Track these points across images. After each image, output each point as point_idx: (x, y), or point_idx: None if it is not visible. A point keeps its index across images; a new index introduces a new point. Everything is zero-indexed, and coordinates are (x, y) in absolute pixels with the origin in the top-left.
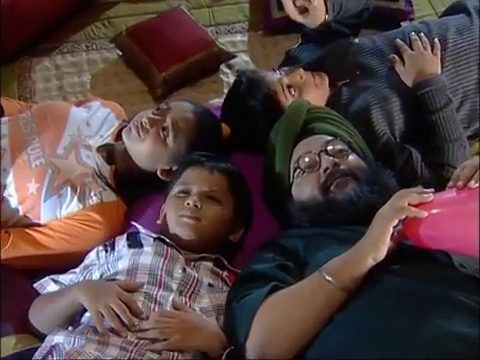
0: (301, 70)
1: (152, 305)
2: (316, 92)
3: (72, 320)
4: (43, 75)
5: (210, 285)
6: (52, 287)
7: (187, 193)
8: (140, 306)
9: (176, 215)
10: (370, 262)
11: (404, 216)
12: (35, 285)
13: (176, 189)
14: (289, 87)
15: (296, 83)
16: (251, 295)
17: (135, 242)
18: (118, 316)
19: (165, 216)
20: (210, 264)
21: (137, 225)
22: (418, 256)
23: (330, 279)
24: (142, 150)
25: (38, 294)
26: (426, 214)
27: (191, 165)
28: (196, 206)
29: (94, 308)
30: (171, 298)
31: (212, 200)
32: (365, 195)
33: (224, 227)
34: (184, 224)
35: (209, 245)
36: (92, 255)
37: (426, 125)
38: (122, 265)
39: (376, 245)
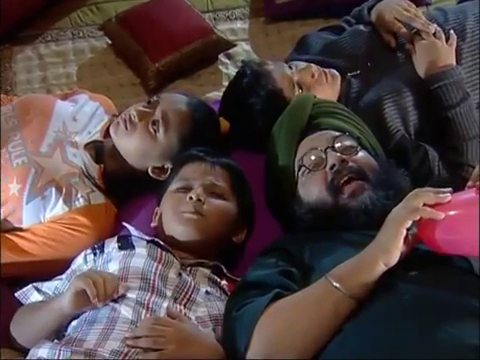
0: (314, 67)
1: (143, 311)
2: (326, 91)
3: (57, 333)
4: (25, 65)
5: (207, 293)
6: (35, 297)
7: (188, 189)
8: (130, 313)
9: (177, 211)
10: (381, 267)
11: (418, 217)
12: (17, 294)
13: (174, 186)
14: (298, 84)
15: (306, 82)
16: (252, 303)
17: (126, 244)
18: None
19: (160, 217)
20: (207, 271)
21: (128, 226)
22: (434, 262)
23: (338, 285)
24: (130, 146)
25: (21, 305)
26: (443, 216)
27: (189, 161)
28: (199, 200)
29: (80, 276)
30: (165, 305)
31: (215, 195)
32: (380, 202)
33: (228, 225)
34: (186, 220)
35: (211, 246)
36: (79, 259)
37: (442, 122)
38: (112, 268)
39: (388, 249)
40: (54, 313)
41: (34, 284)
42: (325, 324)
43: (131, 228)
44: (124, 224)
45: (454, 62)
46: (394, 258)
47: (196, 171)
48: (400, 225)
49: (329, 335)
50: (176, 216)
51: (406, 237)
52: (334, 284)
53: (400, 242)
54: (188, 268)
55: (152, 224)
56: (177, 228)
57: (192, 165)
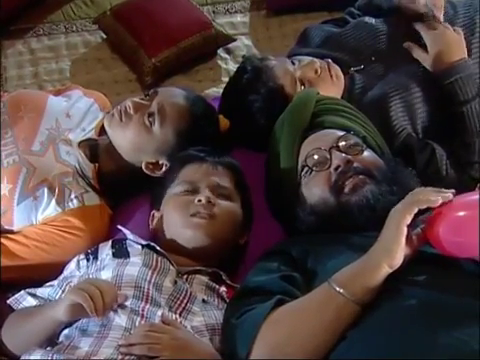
0: (317, 63)
1: (138, 319)
2: (330, 89)
3: (50, 341)
4: (16, 60)
5: (204, 301)
6: (29, 302)
7: (193, 191)
8: (124, 320)
9: (185, 215)
10: (385, 270)
11: (416, 210)
12: (9, 301)
13: (177, 189)
14: (300, 81)
15: (309, 78)
16: (253, 310)
17: (121, 251)
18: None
19: (159, 221)
20: (205, 278)
21: (124, 230)
22: (442, 265)
23: (341, 291)
24: (125, 138)
25: (12, 311)
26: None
27: (189, 161)
28: (209, 202)
29: (75, 289)
30: (160, 313)
31: (222, 196)
32: (384, 197)
33: (235, 227)
34: (197, 225)
35: (217, 251)
36: (72, 265)
37: (453, 118)
38: (105, 276)
39: (390, 249)
40: (47, 321)
41: (27, 290)
42: (328, 330)
43: (127, 232)
44: (119, 227)
45: (466, 54)
46: (397, 259)
47: (198, 172)
48: (400, 222)
49: (333, 341)
50: (185, 220)
51: (409, 237)
52: (337, 289)
53: (402, 241)
54: (185, 276)
55: (152, 226)
56: (186, 233)
57: (193, 166)
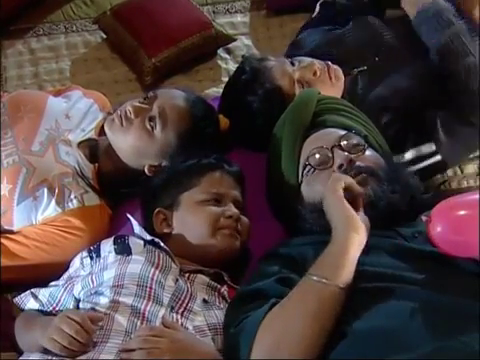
0: (317, 64)
1: (138, 322)
2: (328, 90)
3: None
4: (16, 60)
5: (205, 301)
6: (32, 303)
7: (218, 201)
8: (124, 323)
9: (213, 226)
10: (356, 238)
11: (342, 184)
12: (15, 300)
13: (202, 196)
14: (299, 82)
15: (308, 80)
16: (249, 318)
17: (123, 247)
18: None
19: (169, 219)
20: (207, 278)
21: (132, 219)
22: (443, 264)
23: (314, 278)
24: (126, 143)
25: (13, 310)
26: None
27: (210, 169)
28: (237, 219)
29: (46, 337)
30: (161, 314)
31: (239, 210)
32: (386, 196)
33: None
34: (228, 237)
35: (229, 260)
36: (76, 263)
37: (438, 55)
38: (107, 276)
39: (346, 220)
40: (37, 341)
41: (32, 290)
42: (316, 317)
43: (135, 222)
44: (128, 216)
45: None
46: (357, 221)
47: (222, 184)
48: (334, 193)
49: (328, 327)
50: (213, 231)
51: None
52: (314, 278)
53: (348, 206)
54: (187, 274)
55: (165, 230)
56: (211, 242)
57: (214, 175)
